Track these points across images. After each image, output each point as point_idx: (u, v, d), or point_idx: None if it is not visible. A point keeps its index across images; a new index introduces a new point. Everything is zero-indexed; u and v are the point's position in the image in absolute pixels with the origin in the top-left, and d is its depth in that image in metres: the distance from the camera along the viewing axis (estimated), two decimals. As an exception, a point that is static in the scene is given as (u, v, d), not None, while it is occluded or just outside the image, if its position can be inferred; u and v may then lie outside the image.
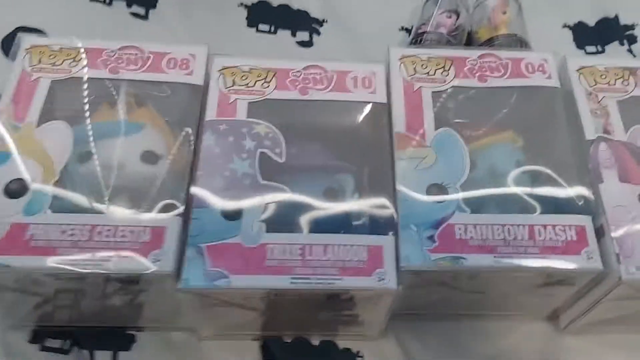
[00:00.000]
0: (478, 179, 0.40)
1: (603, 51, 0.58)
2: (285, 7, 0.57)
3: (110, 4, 0.56)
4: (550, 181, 0.40)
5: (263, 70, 0.43)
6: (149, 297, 0.39)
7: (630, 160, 0.40)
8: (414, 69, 0.43)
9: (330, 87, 0.43)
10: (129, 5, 0.56)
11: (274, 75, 0.43)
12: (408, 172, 0.39)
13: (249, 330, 0.42)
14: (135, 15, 0.55)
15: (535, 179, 0.41)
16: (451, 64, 0.44)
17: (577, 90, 0.43)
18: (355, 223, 0.39)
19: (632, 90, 0.43)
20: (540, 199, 0.40)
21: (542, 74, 0.43)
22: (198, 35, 0.54)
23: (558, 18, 0.59)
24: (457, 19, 0.54)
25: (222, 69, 0.43)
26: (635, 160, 0.40)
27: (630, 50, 0.58)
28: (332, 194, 0.40)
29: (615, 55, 0.57)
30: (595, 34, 0.58)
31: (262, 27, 0.56)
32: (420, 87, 0.43)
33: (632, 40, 0.58)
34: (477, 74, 0.43)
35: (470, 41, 0.55)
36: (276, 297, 0.37)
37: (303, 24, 0.56)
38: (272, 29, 0.56)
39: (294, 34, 0.56)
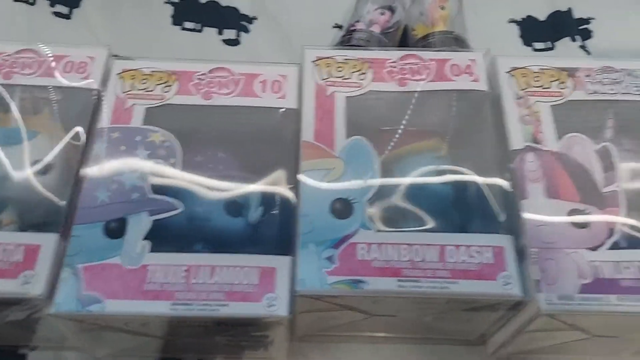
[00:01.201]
0: (393, 192, 0.35)
1: (552, 48, 0.52)
2: (213, 4, 0.53)
3: (33, 3, 0.52)
4: (470, 195, 0.36)
5: (165, 73, 0.39)
6: (35, 317, 0.36)
7: (562, 173, 0.35)
8: (329, 72, 0.39)
9: (236, 92, 0.39)
10: (52, 4, 0.52)
11: (176, 79, 0.39)
12: (313, 185, 0.34)
13: (147, 352, 0.38)
14: (58, 14, 0.52)
15: (455, 192, 0.37)
16: (369, 67, 0.39)
17: (506, 93, 0.38)
18: (253, 241, 0.37)
19: (570, 94, 0.38)
20: (457, 215, 0.36)
21: (469, 76, 0.39)
22: (121, 34, 0.50)
23: (505, 12, 0.54)
24: (391, 16, 0.49)
25: (122, 72, 0.39)
26: (568, 173, 0.35)
27: (583, 47, 0.52)
28: (235, 209, 0.37)
29: (565, 52, 0.51)
30: (546, 29, 0.53)
31: (187, 25, 0.51)
32: (334, 91, 0.38)
33: (586, 35, 0.52)
34: (397, 77, 0.39)
35: (406, 39, 0.50)
36: (164, 322, 0.33)
37: (231, 21, 0.52)
38: (198, 26, 0.51)
39: (220, 32, 0.51)
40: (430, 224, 0.35)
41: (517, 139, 0.36)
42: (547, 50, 0.52)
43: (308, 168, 0.35)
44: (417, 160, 0.37)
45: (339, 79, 0.39)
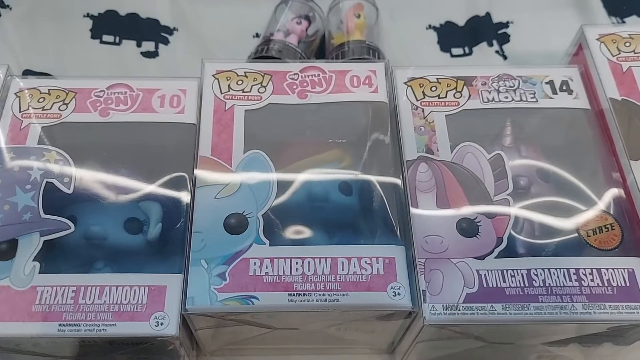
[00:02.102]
0: (291, 205, 0.35)
1: (471, 53, 0.51)
2: (133, 16, 0.52)
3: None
4: (368, 207, 0.35)
5: (63, 91, 0.38)
6: None
7: (453, 182, 0.35)
8: (229, 85, 0.38)
9: (134, 108, 0.38)
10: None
11: (73, 97, 0.38)
12: (207, 200, 0.34)
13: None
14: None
15: (354, 203, 0.35)
16: (270, 79, 0.38)
17: (402, 104, 0.38)
18: (151, 259, 0.34)
19: (465, 102, 0.37)
20: (354, 226, 0.35)
21: (368, 87, 0.38)
22: (40, 49, 0.49)
23: (424, 19, 0.53)
24: (309, 25, 0.49)
25: (19, 92, 0.38)
26: (459, 183, 0.35)
27: (499, 51, 0.51)
28: (134, 226, 0.35)
29: (482, 58, 0.50)
30: (464, 35, 0.52)
31: (106, 38, 0.50)
32: (233, 105, 0.37)
33: (503, 39, 0.52)
34: (298, 90, 0.38)
35: (324, 48, 0.49)
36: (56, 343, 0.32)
37: (150, 33, 0.51)
38: (117, 39, 0.50)
39: (139, 44, 0.50)
40: (326, 236, 0.34)
41: (410, 150, 0.36)
42: (465, 56, 0.51)
43: (203, 183, 0.35)
44: (319, 172, 0.36)
45: (239, 93, 0.38)
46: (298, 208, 0.36)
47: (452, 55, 0.51)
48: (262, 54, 0.46)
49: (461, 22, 0.53)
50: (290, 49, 0.46)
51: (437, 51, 0.51)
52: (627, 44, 0.38)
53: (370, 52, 0.46)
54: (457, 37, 0.51)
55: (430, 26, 0.52)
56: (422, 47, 0.51)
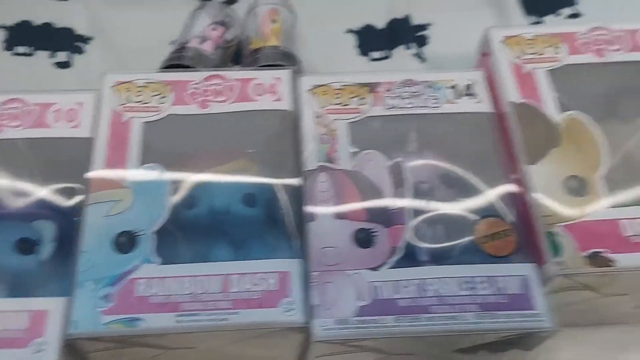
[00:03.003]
0: (189, 220, 0.34)
1: (390, 56, 0.49)
2: (47, 26, 0.49)
3: None
4: (272, 218, 0.34)
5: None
6: None
7: (353, 192, 0.33)
8: (127, 97, 0.36)
9: (29, 124, 0.35)
10: None
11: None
12: (97, 218, 0.32)
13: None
14: None
15: (257, 215, 0.34)
16: (171, 90, 0.37)
17: (305, 113, 0.36)
18: (42, 281, 0.33)
19: (368, 110, 0.36)
20: (255, 239, 0.33)
21: (272, 95, 0.37)
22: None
23: (343, 22, 0.50)
24: (225, 31, 0.47)
25: None
26: (358, 192, 0.33)
27: (417, 54, 0.49)
28: (27, 246, 0.33)
29: (400, 61, 0.47)
30: (384, 38, 0.50)
31: (19, 49, 0.47)
32: (131, 117, 0.36)
33: (422, 42, 0.50)
34: (199, 100, 0.36)
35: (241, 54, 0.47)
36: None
37: (64, 43, 0.48)
38: (31, 50, 0.48)
39: (53, 55, 0.48)
40: (225, 251, 0.33)
41: (311, 159, 0.34)
42: (384, 60, 0.49)
43: (95, 200, 0.33)
44: (221, 184, 0.35)
45: (138, 104, 0.36)
46: (197, 222, 0.34)
47: (372, 59, 0.49)
48: (173, 62, 0.44)
49: (381, 25, 0.51)
50: (204, 56, 0.44)
51: (356, 55, 0.49)
52: (531, 46, 0.37)
53: (284, 57, 0.44)
54: (377, 40, 0.50)
55: (349, 30, 0.50)
56: (341, 51, 0.49)
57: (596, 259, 0.30)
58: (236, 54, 0.49)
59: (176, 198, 0.34)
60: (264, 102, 0.37)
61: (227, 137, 0.37)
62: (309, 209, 0.33)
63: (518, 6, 0.52)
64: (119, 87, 0.37)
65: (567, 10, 0.52)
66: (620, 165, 0.35)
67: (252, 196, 0.35)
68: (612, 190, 0.33)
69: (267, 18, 0.47)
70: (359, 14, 0.51)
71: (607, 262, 0.30)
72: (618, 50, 0.37)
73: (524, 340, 0.32)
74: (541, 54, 0.37)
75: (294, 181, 0.34)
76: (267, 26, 0.46)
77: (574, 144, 0.34)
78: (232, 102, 0.37)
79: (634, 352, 0.37)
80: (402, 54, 0.49)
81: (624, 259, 0.30)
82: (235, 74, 0.38)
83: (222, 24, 0.47)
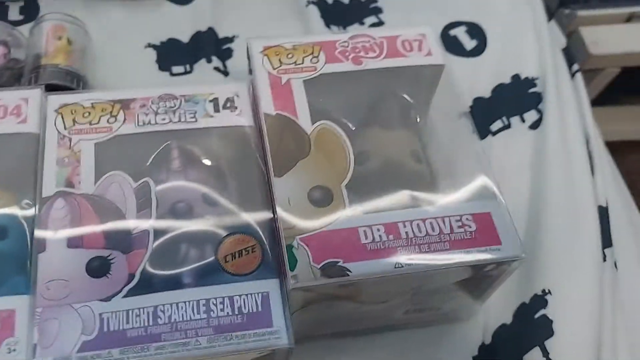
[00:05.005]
0: None
1: (192, 71, 0.46)
2: None
3: None
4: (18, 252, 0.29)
5: None
6: None
7: (92, 217, 0.30)
8: None
9: None
10: None
11: None
12: None
13: None
14: None
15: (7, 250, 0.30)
16: None
17: (49, 135, 0.33)
18: None
19: (118, 127, 0.33)
20: None
21: (16, 117, 0.32)
22: None
23: (145, 37, 0.47)
24: (7, 52, 0.42)
25: None
26: (98, 217, 0.30)
27: (218, 68, 0.47)
28: None
29: (202, 75, 0.45)
30: (187, 52, 0.47)
31: None
32: None
33: (227, 55, 0.48)
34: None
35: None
36: None
37: None
38: None
39: None
40: None
41: (49, 184, 0.31)
42: (186, 74, 0.46)
43: None
44: None
45: None
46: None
47: (172, 74, 0.46)
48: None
49: (185, 39, 0.48)
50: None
51: (155, 70, 0.46)
52: (290, 56, 0.36)
53: (69, 76, 0.40)
54: (179, 54, 0.47)
55: (149, 44, 0.47)
56: (139, 66, 0.46)
57: (331, 270, 0.29)
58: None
59: None
60: (5, 126, 0.32)
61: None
62: (40, 238, 0.30)
63: (318, 17, 0.50)
64: None
65: (371, 19, 0.52)
66: (374, 171, 0.34)
67: (3, 227, 0.32)
68: (356, 198, 0.31)
69: (51, 34, 0.43)
70: (162, 29, 0.48)
71: (342, 272, 0.29)
72: (376, 57, 0.36)
73: (270, 358, 0.30)
74: (300, 64, 0.35)
75: (31, 211, 0.31)
76: (53, 44, 0.42)
77: (322, 154, 0.32)
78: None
79: (410, 357, 0.36)
80: (204, 68, 0.47)
81: (358, 267, 0.29)
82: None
83: (4, 43, 0.43)
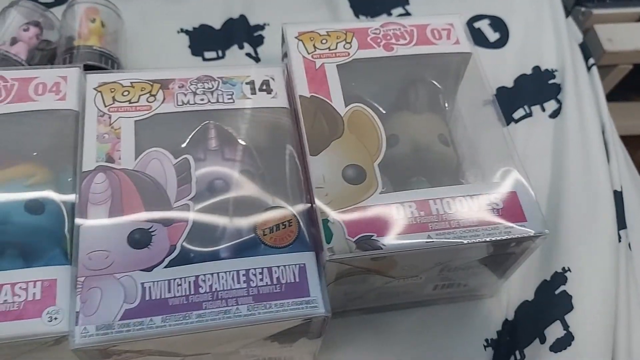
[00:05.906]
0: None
1: (224, 56, 0.48)
2: None
3: None
4: (55, 225, 0.29)
5: None
6: None
7: (132, 191, 0.30)
8: None
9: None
10: None
11: None
12: None
13: None
14: None
15: (46, 222, 0.30)
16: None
17: (89, 112, 0.33)
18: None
19: (158, 107, 0.33)
20: (29, 248, 0.30)
21: (55, 94, 0.32)
22: None
23: (177, 23, 0.49)
24: (40, 32, 0.43)
25: None
26: (138, 191, 0.31)
27: (250, 54, 0.48)
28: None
29: (234, 60, 0.47)
30: (219, 38, 0.49)
31: None
32: None
33: (258, 42, 0.49)
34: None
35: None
36: None
37: None
38: None
39: None
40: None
41: (90, 159, 0.31)
42: (218, 59, 0.47)
43: None
44: (7, 189, 0.31)
45: None
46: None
47: (205, 59, 0.47)
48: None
49: (217, 25, 0.49)
50: (11, 60, 0.41)
51: (188, 55, 0.47)
52: (324, 41, 0.36)
53: (102, 58, 0.41)
54: (211, 40, 0.48)
55: (182, 30, 0.48)
56: (172, 51, 0.47)
57: (366, 243, 0.30)
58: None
59: None
60: (45, 102, 0.33)
61: (6, 141, 0.33)
62: (81, 211, 0.30)
63: (347, 6, 0.52)
64: None
65: (398, 10, 0.53)
66: (403, 154, 0.35)
67: (39, 202, 0.31)
68: (388, 177, 0.32)
69: (84, 17, 0.44)
70: (194, 14, 0.49)
71: (376, 245, 0.30)
72: (406, 44, 0.37)
73: (306, 328, 0.31)
74: (333, 49, 0.36)
75: (68, 186, 0.32)
76: (86, 26, 0.43)
77: (356, 135, 0.33)
78: (8, 103, 0.33)
79: (437, 332, 0.37)
80: (236, 54, 0.48)
81: (391, 241, 0.30)
82: (15, 73, 0.34)
83: (36, 24, 0.44)
